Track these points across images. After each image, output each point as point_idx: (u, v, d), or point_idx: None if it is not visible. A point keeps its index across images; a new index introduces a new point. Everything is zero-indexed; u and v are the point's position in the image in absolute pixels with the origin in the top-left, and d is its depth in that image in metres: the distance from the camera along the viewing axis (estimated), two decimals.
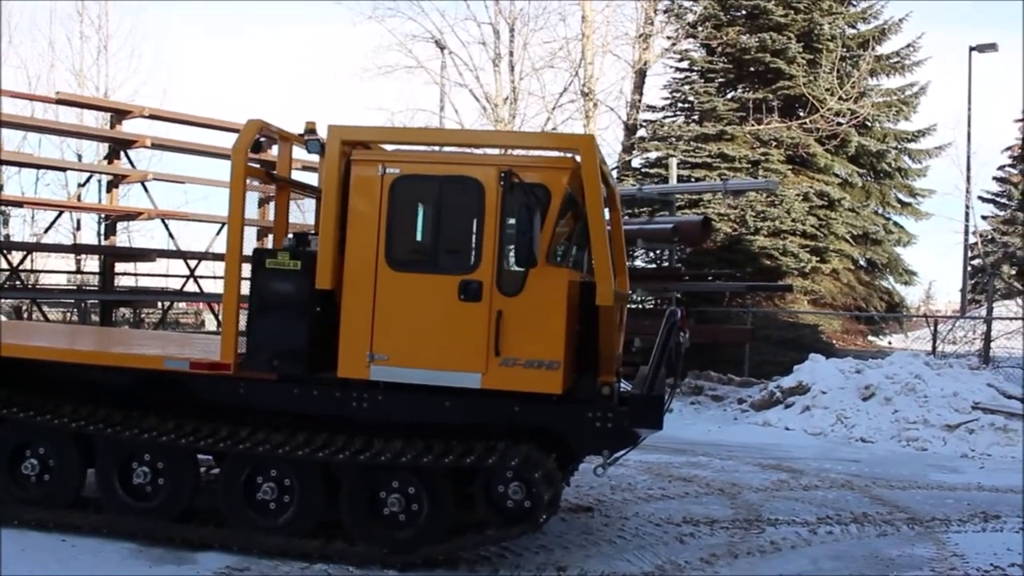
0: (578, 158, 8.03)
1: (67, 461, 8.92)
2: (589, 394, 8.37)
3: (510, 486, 8.05)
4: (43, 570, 7.63)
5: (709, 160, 28.00)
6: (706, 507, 10.79)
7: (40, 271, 26.97)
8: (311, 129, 8.83)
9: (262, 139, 8.93)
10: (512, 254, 7.88)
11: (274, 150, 10.39)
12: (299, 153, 9.66)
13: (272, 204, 9.85)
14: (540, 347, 7.89)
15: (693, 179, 27.59)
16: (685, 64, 31.38)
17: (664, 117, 31.75)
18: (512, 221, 7.85)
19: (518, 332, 7.91)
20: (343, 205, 8.28)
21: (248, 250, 8.92)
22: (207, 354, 8.71)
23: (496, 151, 9.22)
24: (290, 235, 9.08)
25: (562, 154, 8.49)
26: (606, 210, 10.29)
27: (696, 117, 30.47)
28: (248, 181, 8.84)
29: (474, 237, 8.04)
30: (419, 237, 8.47)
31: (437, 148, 9.31)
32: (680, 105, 31.41)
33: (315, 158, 9.36)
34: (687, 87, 30.57)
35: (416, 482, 8.21)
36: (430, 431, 8.26)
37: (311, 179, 11.20)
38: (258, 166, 9.44)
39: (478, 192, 8.02)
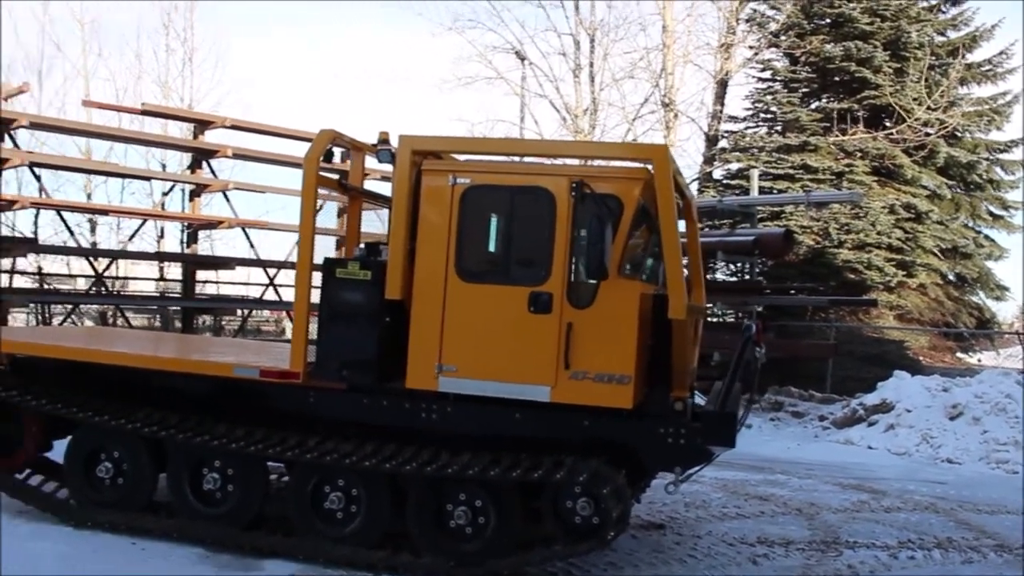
0: (651, 168, 7.87)
1: (140, 465, 9.03)
2: (661, 409, 8.20)
3: (578, 501, 7.91)
4: (112, 572, 7.69)
5: (792, 171, 27.53)
6: (782, 527, 10.50)
7: (125, 278, 27.57)
8: (384, 139, 8.80)
9: (335, 149, 8.91)
10: (583, 266, 7.75)
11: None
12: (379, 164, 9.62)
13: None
14: (610, 360, 7.75)
15: (775, 191, 27.13)
16: (768, 74, 30.95)
17: (746, 128, 31.33)
18: (583, 232, 7.72)
19: (588, 345, 7.78)
20: (414, 215, 8.24)
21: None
22: (278, 363, 8.73)
23: (568, 161, 9.07)
24: (361, 245, 9.07)
25: (635, 164, 8.34)
26: (681, 222, 10.21)
27: (779, 128, 30.00)
28: (323, 191, 8.88)
29: (544, 248, 7.91)
30: (489, 248, 8.38)
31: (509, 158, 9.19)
32: (762, 116, 30.97)
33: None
34: (769, 97, 30.12)
35: (483, 495, 8.12)
36: (501, 444, 8.17)
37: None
38: (332, 176, 9.43)
39: (549, 203, 7.91)
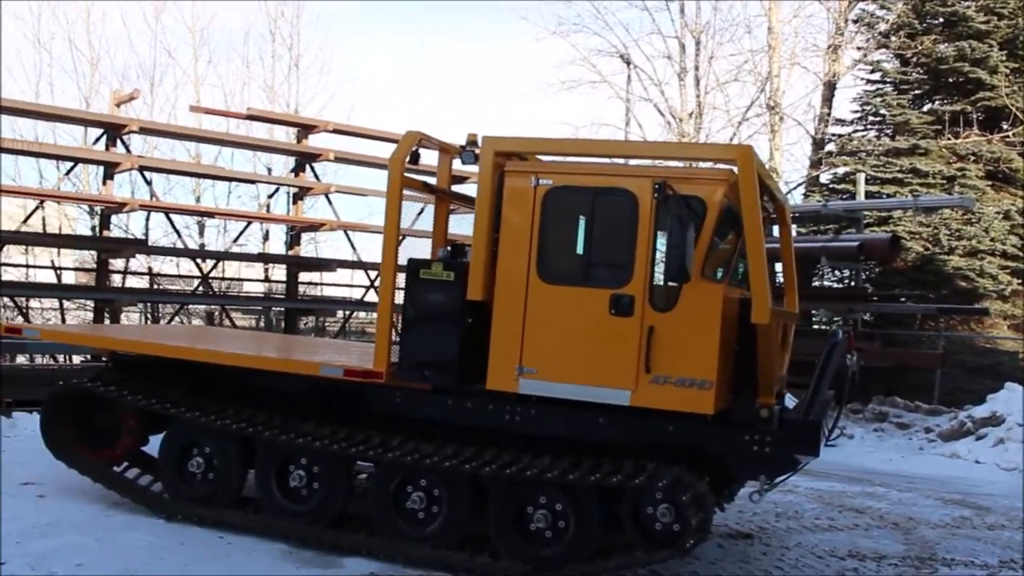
0: (736, 170, 7.71)
1: (229, 461, 9.21)
2: (746, 416, 8.03)
3: (659, 508, 7.81)
4: (197, 565, 7.86)
5: (900, 175, 26.74)
6: (876, 541, 10.18)
7: (231, 279, 28.26)
8: (472, 141, 8.81)
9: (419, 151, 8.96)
10: (665, 268, 7.63)
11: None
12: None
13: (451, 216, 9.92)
14: (692, 365, 7.63)
15: (883, 195, 26.39)
16: (877, 75, 30.07)
17: (853, 131, 30.52)
18: (665, 234, 7.61)
19: (670, 349, 7.68)
20: (496, 216, 8.24)
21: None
22: (364, 362, 8.82)
23: (652, 163, 8.95)
24: (448, 246, 9.11)
25: (720, 166, 8.19)
26: (774, 226, 10.02)
27: (888, 131, 29.20)
28: (411, 192, 8.95)
29: (626, 250, 7.84)
30: (571, 249, 8.30)
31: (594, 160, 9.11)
32: (871, 118, 30.12)
33: None
34: (879, 99, 29.27)
35: (564, 499, 8.07)
36: (584, 448, 8.11)
37: None
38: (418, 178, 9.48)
39: (631, 204, 7.83)
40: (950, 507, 12.48)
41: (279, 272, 27.42)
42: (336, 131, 23.32)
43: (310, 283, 27.77)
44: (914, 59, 28.42)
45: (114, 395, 9.49)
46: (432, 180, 9.72)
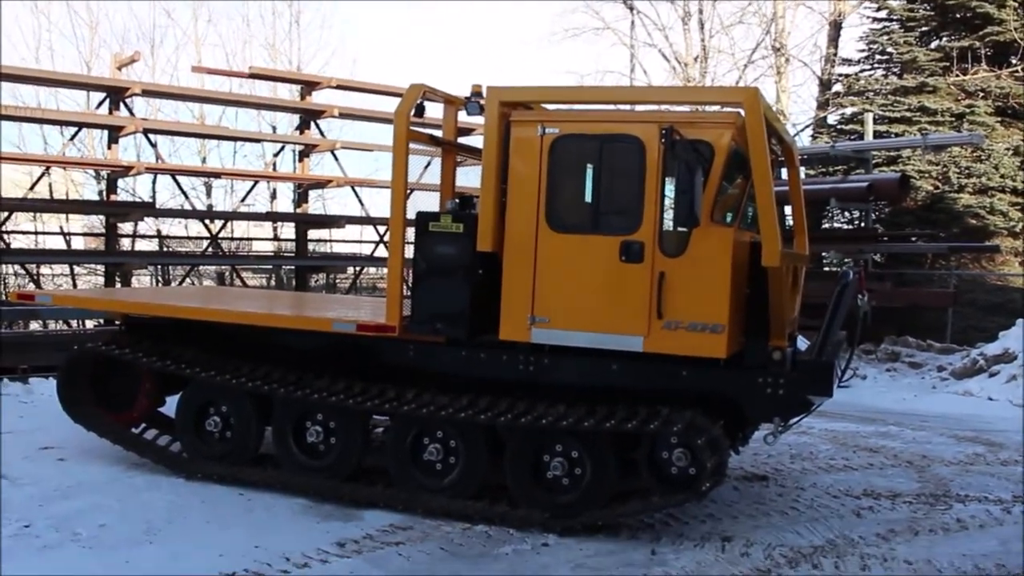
0: (742, 113, 7.66)
1: (246, 419, 9.28)
2: (759, 359, 8.07)
3: (674, 452, 7.88)
4: (218, 522, 7.97)
5: (908, 114, 26.51)
6: (890, 480, 10.24)
7: (240, 238, 28.28)
8: (477, 92, 8.76)
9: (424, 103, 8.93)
10: (674, 213, 7.62)
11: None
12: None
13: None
14: (704, 309, 7.64)
15: (891, 135, 26.19)
16: (883, 13, 29.66)
17: (860, 70, 30.24)
18: (673, 179, 7.58)
19: (681, 294, 7.69)
20: (504, 167, 8.22)
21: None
22: (376, 317, 8.85)
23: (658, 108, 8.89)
24: (456, 198, 9.10)
25: (727, 109, 8.14)
26: (783, 169, 9.98)
27: (895, 69, 28.92)
28: (417, 146, 8.94)
29: (635, 197, 7.82)
30: (579, 198, 8.30)
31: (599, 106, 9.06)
32: (878, 57, 29.78)
33: None
34: (885, 38, 28.93)
35: (579, 446, 8.12)
36: (598, 395, 8.14)
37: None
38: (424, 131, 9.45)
39: (639, 150, 7.80)
40: (963, 444, 12.52)
41: (288, 230, 27.42)
42: (339, 87, 23.19)
43: (319, 240, 27.77)
44: None
45: (129, 358, 9.55)
46: (438, 133, 9.68)
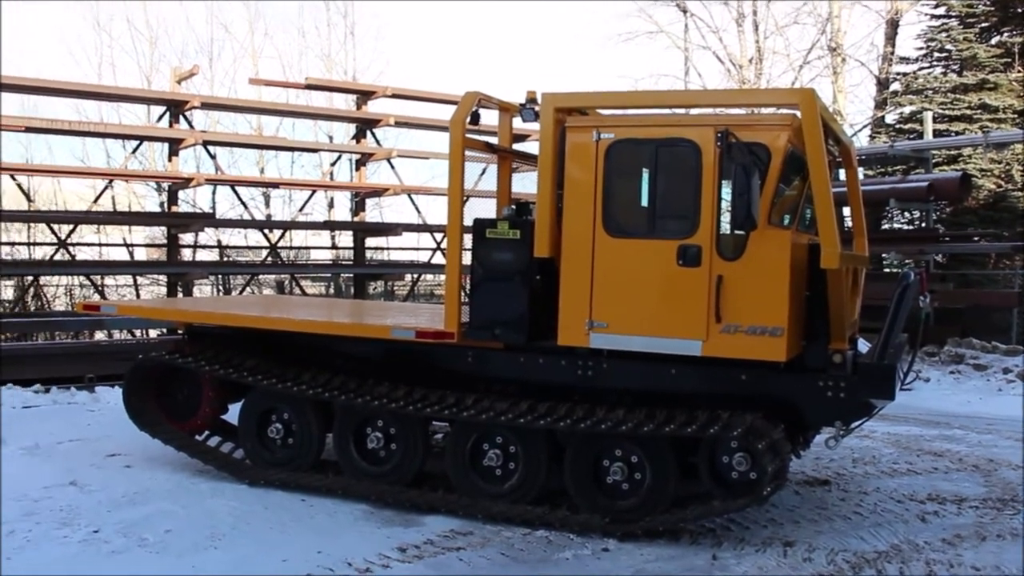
0: (799, 114, 7.61)
1: (308, 426, 9.39)
2: (819, 362, 7.99)
3: (734, 457, 7.83)
4: (281, 528, 8.07)
5: (969, 112, 26.14)
6: (956, 484, 10.08)
7: (298, 247, 28.59)
8: (532, 99, 8.80)
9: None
10: (731, 217, 7.58)
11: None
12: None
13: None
14: (763, 313, 7.59)
15: (951, 133, 25.81)
16: (942, 10, 29.27)
17: (919, 68, 29.87)
18: (730, 183, 7.54)
19: (739, 298, 7.64)
20: (559, 172, 8.24)
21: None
22: (434, 324, 8.91)
23: (713, 111, 8.87)
24: (512, 204, 9.14)
25: (783, 111, 8.08)
26: (840, 170, 9.89)
27: (954, 66, 28.50)
28: (473, 153, 9.00)
29: (691, 200, 7.79)
30: (636, 202, 8.28)
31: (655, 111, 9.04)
32: (936, 55, 29.40)
33: None
34: (944, 35, 28.55)
35: (639, 451, 8.11)
36: (657, 399, 8.13)
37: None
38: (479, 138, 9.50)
39: (694, 154, 7.78)
40: None
41: (346, 239, 27.66)
42: (395, 96, 23.38)
43: (377, 248, 28.02)
44: None
45: (192, 366, 9.70)
46: (493, 139, 9.73)
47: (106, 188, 22.81)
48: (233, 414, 9.98)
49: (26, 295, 22.19)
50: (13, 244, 24.45)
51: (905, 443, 12.23)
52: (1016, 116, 25.99)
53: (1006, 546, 7.99)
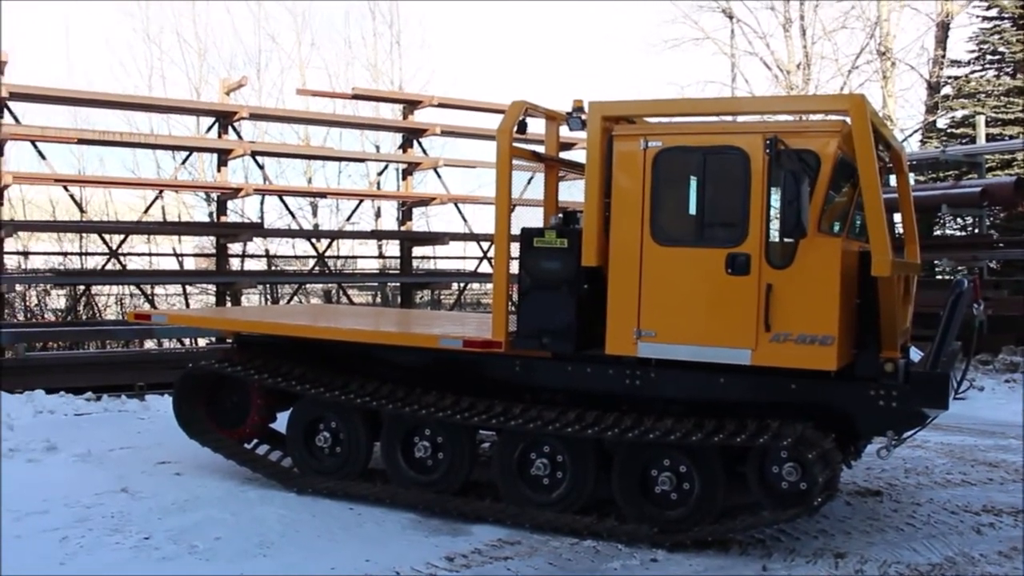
0: (848, 120, 7.53)
1: (355, 435, 9.43)
2: (870, 371, 7.89)
3: (784, 466, 7.75)
4: (329, 536, 8.11)
5: (1022, 115, 25.69)
6: (1012, 495, 9.88)
7: (346, 257, 28.76)
8: (579, 107, 8.80)
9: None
10: (780, 225, 7.51)
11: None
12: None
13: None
14: (812, 321, 7.51)
15: (1005, 137, 25.42)
16: (994, 12, 28.84)
17: (971, 72, 29.45)
18: (779, 190, 7.48)
19: (789, 306, 7.58)
20: (607, 181, 8.22)
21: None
22: (482, 333, 8.91)
23: (761, 118, 8.79)
24: (560, 213, 9.12)
25: (832, 117, 8.00)
26: (891, 176, 9.77)
27: (1007, 69, 28.06)
28: (520, 162, 9.02)
29: (740, 208, 7.74)
30: (684, 210, 8.26)
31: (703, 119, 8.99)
32: (989, 57, 28.97)
33: None
34: (996, 37, 28.12)
35: (687, 461, 8.05)
36: (706, 409, 8.08)
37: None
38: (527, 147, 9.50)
39: (743, 161, 7.72)
40: None
41: (393, 248, 27.80)
42: (441, 105, 23.48)
43: (424, 257, 28.10)
44: None
45: (241, 375, 9.78)
46: (540, 148, 9.72)
47: (156, 198, 23.16)
48: (281, 423, 10.04)
49: (78, 304, 22.54)
50: (66, 254, 24.84)
51: (959, 453, 12.03)
52: None
53: None
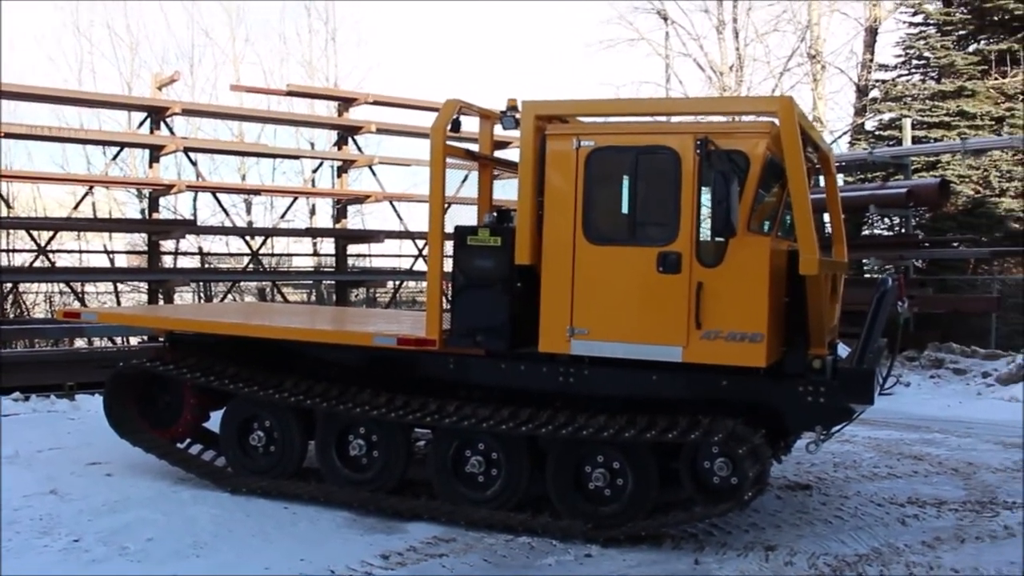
0: (777, 122, 7.67)
1: (290, 433, 9.38)
2: (799, 368, 8.05)
3: (716, 462, 7.87)
4: (263, 535, 8.06)
5: (947, 119, 26.30)
6: (936, 487, 10.15)
7: (280, 254, 28.54)
8: (512, 106, 8.84)
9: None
10: (710, 224, 7.63)
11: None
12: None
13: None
14: (742, 319, 7.64)
15: (930, 140, 26.00)
16: (920, 18, 29.43)
17: (898, 76, 30.01)
18: (709, 190, 7.60)
19: (719, 304, 7.70)
20: (540, 180, 8.28)
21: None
22: (416, 331, 8.92)
23: (692, 119, 8.93)
24: (494, 212, 9.16)
25: (762, 119, 8.15)
26: (820, 176, 9.96)
27: (933, 74, 28.67)
28: (454, 160, 9.03)
29: (671, 208, 7.84)
30: (616, 209, 8.36)
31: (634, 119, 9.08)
32: (915, 62, 29.53)
33: None
34: (922, 42, 28.70)
35: (621, 457, 8.14)
36: (639, 406, 8.16)
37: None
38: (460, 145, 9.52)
39: (674, 161, 7.83)
40: (1010, 451, 12.35)
41: (327, 246, 27.67)
42: (376, 103, 23.39)
43: (358, 255, 27.95)
44: None
45: (173, 374, 9.68)
46: (474, 147, 9.75)
47: (86, 194, 22.72)
48: (215, 422, 9.95)
49: (5, 302, 22.06)
50: None
51: (885, 447, 12.31)
52: (993, 123, 26.20)
53: (984, 548, 8.07)
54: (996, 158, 25.73)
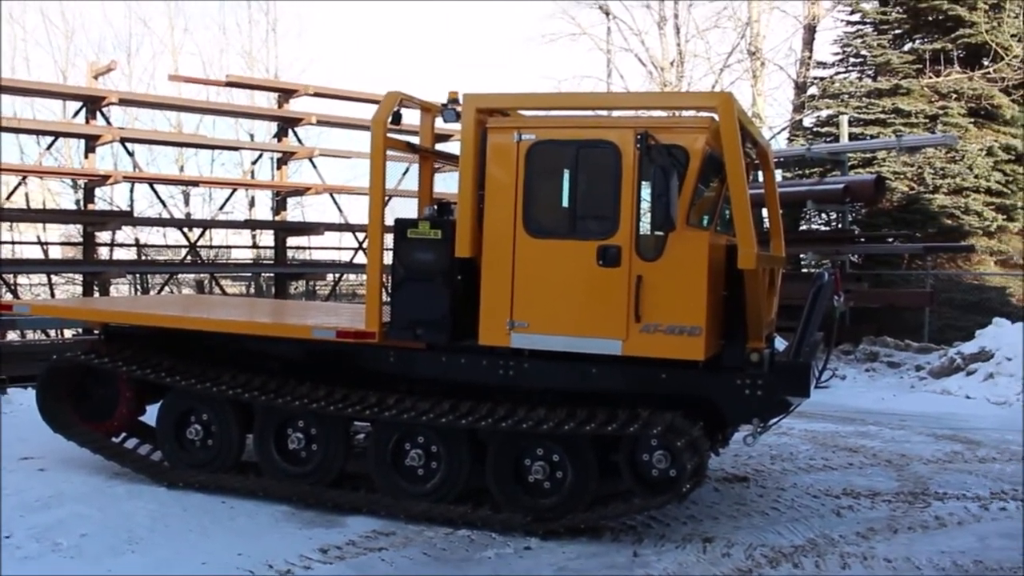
0: (716, 117, 7.74)
1: (227, 427, 9.29)
2: (737, 361, 8.13)
3: (654, 454, 7.94)
4: (201, 530, 7.97)
5: (883, 116, 26.71)
6: (870, 479, 10.34)
7: (219, 246, 28.18)
8: (454, 99, 8.81)
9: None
10: (650, 218, 7.68)
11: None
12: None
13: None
14: (681, 312, 7.70)
15: (867, 136, 26.40)
16: (857, 17, 29.86)
17: (835, 73, 30.42)
18: (649, 184, 7.65)
19: (659, 297, 7.75)
20: (481, 173, 8.27)
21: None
22: (356, 323, 8.87)
23: (633, 113, 8.98)
24: (434, 204, 9.14)
25: (702, 114, 8.22)
26: (758, 172, 10.07)
27: (869, 72, 29.11)
28: (394, 153, 8.99)
29: (611, 201, 7.88)
30: (556, 203, 8.38)
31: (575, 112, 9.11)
32: (852, 60, 29.95)
33: None
34: (859, 41, 29.11)
35: (560, 450, 8.18)
36: (579, 399, 8.20)
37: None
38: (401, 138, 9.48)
39: (614, 155, 7.86)
40: (942, 442, 12.63)
41: (267, 238, 27.34)
42: (317, 95, 23.13)
43: (298, 248, 27.77)
44: None
45: (108, 366, 9.53)
46: (415, 139, 9.72)
47: (19, 184, 22.26)
48: (151, 415, 9.81)
49: None
50: None
51: (821, 439, 12.50)
52: (928, 121, 26.66)
53: (917, 538, 8.24)
54: (930, 155, 26.20)
